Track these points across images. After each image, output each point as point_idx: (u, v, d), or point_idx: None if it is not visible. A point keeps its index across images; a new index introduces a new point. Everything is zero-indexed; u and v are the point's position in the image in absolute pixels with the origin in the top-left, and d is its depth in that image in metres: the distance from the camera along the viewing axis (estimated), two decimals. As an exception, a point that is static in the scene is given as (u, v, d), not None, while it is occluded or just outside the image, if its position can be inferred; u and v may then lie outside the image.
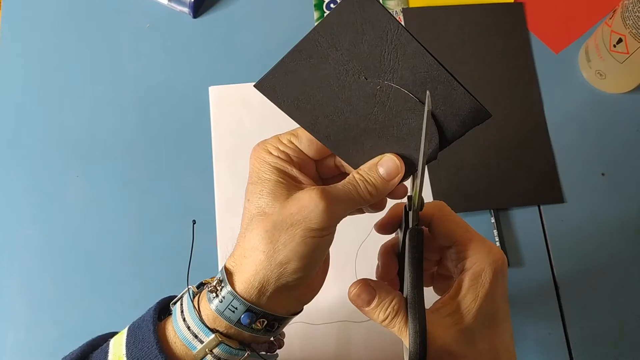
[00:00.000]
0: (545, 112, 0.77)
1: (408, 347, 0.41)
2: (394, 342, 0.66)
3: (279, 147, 0.45)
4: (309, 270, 0.43)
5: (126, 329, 0.46)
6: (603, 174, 0.74)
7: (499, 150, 0.75)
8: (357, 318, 0.67)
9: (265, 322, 0.43)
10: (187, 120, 0.77)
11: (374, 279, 0.48)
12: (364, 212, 0.49)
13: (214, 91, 0.78)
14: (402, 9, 0.81)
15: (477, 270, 0.43)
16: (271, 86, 0.44)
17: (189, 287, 0.46)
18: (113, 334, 0.48)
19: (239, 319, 0.42)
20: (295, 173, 0.44)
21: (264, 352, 0.47)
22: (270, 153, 0.45)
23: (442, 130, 0.43)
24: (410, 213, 0.43)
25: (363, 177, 0.44)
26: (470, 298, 0.42)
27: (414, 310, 0.41)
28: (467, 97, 0.42)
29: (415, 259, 0.41)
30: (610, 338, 0.68)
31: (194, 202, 0.73)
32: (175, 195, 0.74)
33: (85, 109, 0.78)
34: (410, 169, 0.44)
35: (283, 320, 0.45)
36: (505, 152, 0.75)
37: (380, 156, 0.44)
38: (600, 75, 0.75)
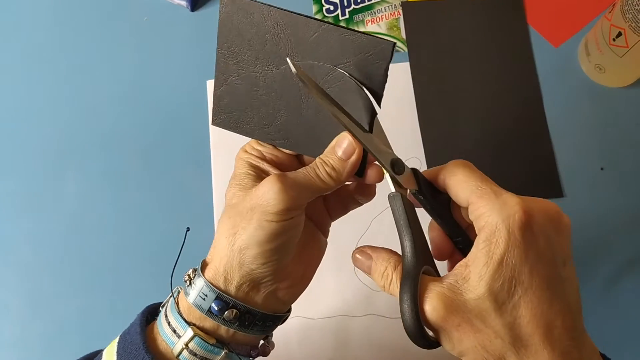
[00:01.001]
0: (545, 106, 0.76)
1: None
2: (393, 336, 0.66)
3: (254, 146, 0.46)
4: (271, 257, 0.41)
5: (117, 338, 0.46)
6: (602, 168, 0.74)
7: (498, 143, 0.75)
8: (355, 312, 0.67)
9: (237, 312, 0.42)
10: (184, 114, 0.77)
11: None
12: (360, 204, 0.48)
13: (212, 85, 0.77)
14: (401, 2, 0.81)
15: (488, 229, 0.37)
16: (220, 118, 0.46)
17: (177, 287, 0.46)
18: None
19: (209, 307, 0.42)
20: (266, 167, 0.45)
21: (244, 356, 0.45)
22: (246, 151, 0.46)
23: (366, 83, 0.42)
24: (387, 178, 0.42)
25: (322, 159, 0.43)
26: (481, 263, 0.36)
27: (405, 283, 0.37)
28: (361, 37, 0.40)
29: (400, 226, 0.39)
30: (609, 332, 0.68)
31: (191, 196, 0.73)
32: (172, 189, 0.73)
33: (82, 102, 0.77)
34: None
35: (257, 314, 0.44)
36: (504, 146, 0.75)
37: (337, 137, 0.43)
38: (600, 69, 0.75)
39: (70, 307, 0.69)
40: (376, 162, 0.43)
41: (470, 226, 0.42)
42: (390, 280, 0.40)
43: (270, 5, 0.42)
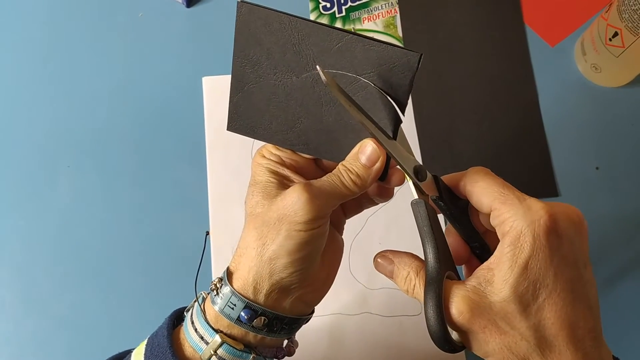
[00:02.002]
0: (541, 105, 0.76)
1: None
2: (388, 334, 0.66)
3: (272, 151, 0.46)
4: (300, 265, 0.42)
5: (146, 340, 0.47)
6: (597, 168, 0.74)
7: (494, 143, 0.75)
8: (350, 311, 0.67)
9: (266, 320, 0.43)
10: (180, 111, 0.76)
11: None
12: (375, 204, 0.49)
13: (208, 82, 0.77)
14: (398, 0, 0.81)
15: (513, 234, 0.37)
16: (236, 124, 0.46)
17: (201, 293, 0.46)
18: None
19: (238, 316, 0.42)
20: (287, 173, 0.45)
21: (271, 358, 0.46)
22: (264, 157, 0.45)
23: (391, 92, 0.42)
24: (410, 184, 0.42)
25: (346, 167, 0.43)
26: (506, 266, 0.37)
27: (429, 287, 0.38)
28: (387, 49, 0.40)
29: (423, 232, 0.40)
30: (607, 332, 0.68)
31: (186, 193, 0.73)
32: (168, 186, 0.73)
33: (76, 98, 0.77)
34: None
35: (285, 319, 0.44)
36: (499, 145, 0.75)
37: (360, 143, 0.44)
38: (596, 68, 0.75)
39: (63, 304, 0.68)
40: (398, 167, 0.44)
41: (488, 232, 0.44)
42: (414, 285, 0.41)
43: (291, 15, 0.41)
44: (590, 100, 0.77)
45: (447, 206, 0.42)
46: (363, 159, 0.43)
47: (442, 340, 0.37)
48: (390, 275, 0.43)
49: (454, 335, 0.39)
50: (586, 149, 0.75)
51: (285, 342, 0.47)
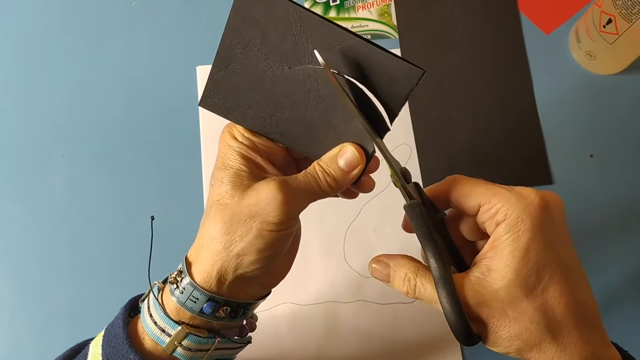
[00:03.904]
0: (535, 93, 0.76)
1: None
2: (382, 322, 0.67)
3: (245, 134, 0.44)
4: (267, 262, 0.42)
5: (103, 330, 0.46)
6: (592, 156, 0.74)
7: (488, 131, 0.75)
8: (345, 299, 0.68)
9: (229, 309, 0.43)
10: (174, 101, 0.76)
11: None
12: (337, 196, 0.48)
13: (202, 71, 0.77)
14: (392, -12, 0.80)
15: (510, 220, 0.38)
16: (211, 101, 0.45)
17: (155, 282, 0.46)
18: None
19: (201, 308, 0.42)
20: (260, 161, 0.44)
21: (236, 337, 0.47)
22: (236, 138, 0.44)
23: (385, 100, 0.42)
24: (400, 190, 0.42)
25: (323, 168, 0.43)
26: (507, 252, 0.37)
27: (442, 285, 0.38)
28: (392, 59, 0.41)
29: (423, 233, 0.39)
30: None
31: (181, 183, 0.73)
32: (162, 176, 0.73)
33: (70, 88, 0.77)
34: (370, 153, 0.44)
35: (248, 306, 0.45)
36: (494, 134, 0.75)
37: (340, 146, 0.44)
38: (590, 56, 0.75)
39: (59, 295, 0.69)
40: (370, 175, 0.45)
41: (464, 245, 0.45)
42: (414, 285, 0.40)
43: (299, 5, 0.40)
44: (585, 87, 0.77)
45: (430, 214, 0.42)
46: (342, 162, 0.43)
47: (466, 333, 0.37)
48: (387, 279, 0.42)
49: None
50: (580, 137, 0.75)
51: (245, 320, 0.48)
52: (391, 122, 0.42)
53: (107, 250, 0.70)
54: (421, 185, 0.43)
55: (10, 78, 0.77)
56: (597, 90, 0.77)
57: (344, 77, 0.42)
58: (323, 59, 0.41)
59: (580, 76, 0.77)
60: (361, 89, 0.42)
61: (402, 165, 0.42)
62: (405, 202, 0.41)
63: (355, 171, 0.43)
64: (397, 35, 0.78)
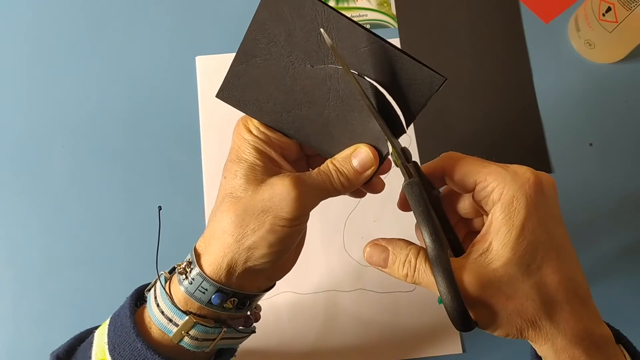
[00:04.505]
0: (535, 82, 0.76)
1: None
2: (381, 311, 0.67)
3: (260, 128, 0.44)
4: (276, 256, 0.43)
5: (108, 319, 0.47)
6: (591, 144, 0.74)
7: (488, 119, 0.75)
8: (344, 287, 0.68)
9: (236, 300, 0.44)
10: (173, 91, 0.76)
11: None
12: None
13: (201, 61, 0.77)
14: (391, -23, 0.80)
15: (505, 199, 0.38)
16: (230, 93, 0.45)
17: (162, 272, 0.46)
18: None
19: (210, 299, 0.43)
20: (274, 156, 0.44)
21: (241, 327, 0.47)
22: (251, 132, 0.44)
23: (404, 102, 0.43)
24: (400, 168, 0.42)
25: (337, 167, 0.43)
26: (503, 231, 0.38)
27: (438, 265, 0.37)
28: (415, 65, 0.41)
29: (421, 212, 0.39)
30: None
31: (181, 174, 0.73)
32: (162, 167, 0.73)
33: (69, 78, 0.77)
34: (384, 155, 0.44)
35: (254, 297, 0.46)
36: (493, 122, 0.75)
37: (354, 146, 0.44)
38: (590, 45, 0.75)
39: (59, 283, 0.69)
40: (381, 176, 0.46)
41: (458, 223, 0.46)
42: (415, 268, 0.40)
43: (328, 6, 0.41)
44: (584, 76, 0.77)
45: (428, 193, 0.42)
46: (355, 163, 0.43)
47: (463, 317, 0.37)
48: (384, 264, 0.42)
49: None
50: (580, 125, 0.75)
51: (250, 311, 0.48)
52: (408, 125, 0.43)
53: (107, 240, 0.71)
54: (419, 165, 0.43)
55: (9, 68, 0.77)
56: (597, 79, 0.77)
57: (364, 78, 0.42)
58: (345, 59, 0.41)
59: (579, 65, 0.77)
60: (381, 92, 0.42)
61: (404, 146, 0.43)
62: (404, 180, 0.41)
63: (368, 172, 0.44)
64: (396, 25, 0.78)
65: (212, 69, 0.76)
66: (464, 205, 0.44)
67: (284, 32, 0.42)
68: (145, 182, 0.73)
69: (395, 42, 0.77)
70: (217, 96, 0.45)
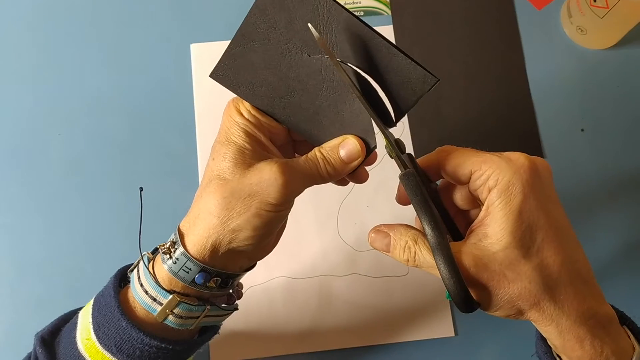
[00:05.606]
0: (527, 68, 0.77)
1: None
2: (375, 294, 0.68)
3: (251, 111, 0.45)
4: (260, 239, 0.43)
5: (92, 300, 0.47)
6: (582, 130, 0.75)
7: (480, 106, 0.76)
8: (338, 272, 0.69)
9: (219, 280, 0.45)
10: (168, 79, 0.76)
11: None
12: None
13: (196, 49, 0.77)
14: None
15: (502, 185, 0.39)
16: (224, 74, 0.46)
17: (145, 253, 0.47)
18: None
19: (193, 279, 0.43)
20: (263, 140, 0.44)
21: (224, 305, 0.49)
22: (242, 114, 0.45)
23: (394, 99, 0.44)
24: (395, 160, 0.43)
25: (324, 156, 0.44)
26: (501, 215, 0.38)
27: (439, 252, 0.38)
28: (410, 63, 0.42)
29: (418, 201, 0.39)
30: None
31: (176, 161, 0.73)
32: (157, 154, 0.74)
33: (65, 66, 0.77)
34: (371, 147, 0.45)
35: (236, 276, 0.47)
36: (486, 109, 0.75)
37: (343, 137, 0.45)
38: (581, 31, 0.75)
39: (57, 270, 0.70)
40: (365, 167, 0.46)
41: (457, 214, 0.46)
42: (415, 253, 0.41)
43: None
44: (577, 62, 0.77)
45: (424, 185, 0.42)
46: (342, 153, 0.44)
47: (465, 299, 0.37)
48: (387, 249, 0.43)
49: None
50: (572, 111, 0.76)
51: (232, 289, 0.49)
52: (397, 120, 0.44)
53: (104, 226, 0.71)
54: (414, 157, 0.44)
55: (4, 57, 0.77)
56: (589, 65, 0.77)
57: (354, 69, 0.43)
58: (343, 51, 0.42)
59: (571, 51, 0.78)
60: (372, 85, 0.43)
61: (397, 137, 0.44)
62: (400, 172, 0.42)
63: (355, 163, 0.45)
64: (389, 12, 0.78)
65: (207, 56, 0.77)
66: (461, 196, 0.45)
67: (284, 19, 0.43)
68: (140, 168, 0.73)
69: (389, 29, 0.77)
70: (210, 76, 0.46)
